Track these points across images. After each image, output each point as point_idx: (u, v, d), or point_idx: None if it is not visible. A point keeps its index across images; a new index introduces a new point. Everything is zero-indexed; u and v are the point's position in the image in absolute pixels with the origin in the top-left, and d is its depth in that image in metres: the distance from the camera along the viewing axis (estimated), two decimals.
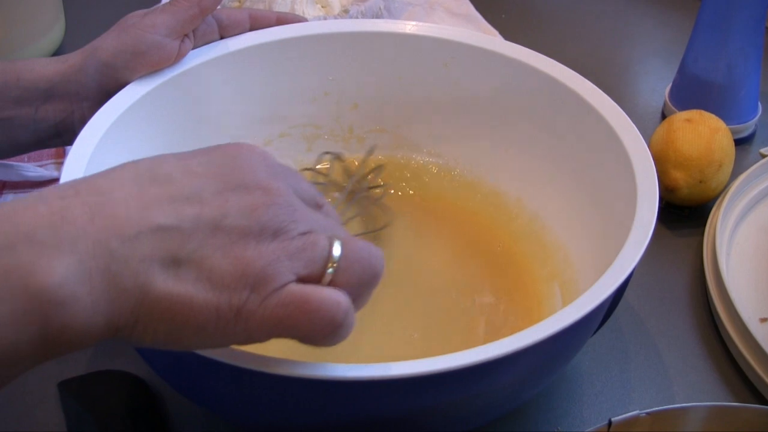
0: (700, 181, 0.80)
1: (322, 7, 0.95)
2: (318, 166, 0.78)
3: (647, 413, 0.49)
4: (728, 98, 0.90)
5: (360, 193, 0.75)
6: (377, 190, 0.76)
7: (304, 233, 0.43)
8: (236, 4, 0.99)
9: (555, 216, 0.72)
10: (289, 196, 0.44)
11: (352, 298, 0.43)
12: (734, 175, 0.82)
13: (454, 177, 0.78)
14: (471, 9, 1.03)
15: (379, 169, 0.77)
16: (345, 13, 0.93)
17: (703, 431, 0.51)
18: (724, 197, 0.80)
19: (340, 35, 0.75)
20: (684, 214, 0.82)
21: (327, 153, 0.78)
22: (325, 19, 0.92)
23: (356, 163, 0.78)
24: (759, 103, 0.93)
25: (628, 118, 0.66)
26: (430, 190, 0.78)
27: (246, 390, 0.51)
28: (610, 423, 0.48)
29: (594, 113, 0.67)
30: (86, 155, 0.60)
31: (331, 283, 0.43)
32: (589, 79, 0.69)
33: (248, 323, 0.42)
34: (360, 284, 0.44)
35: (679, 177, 0.79)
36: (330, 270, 0.43)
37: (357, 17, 0.93)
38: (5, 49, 0.96)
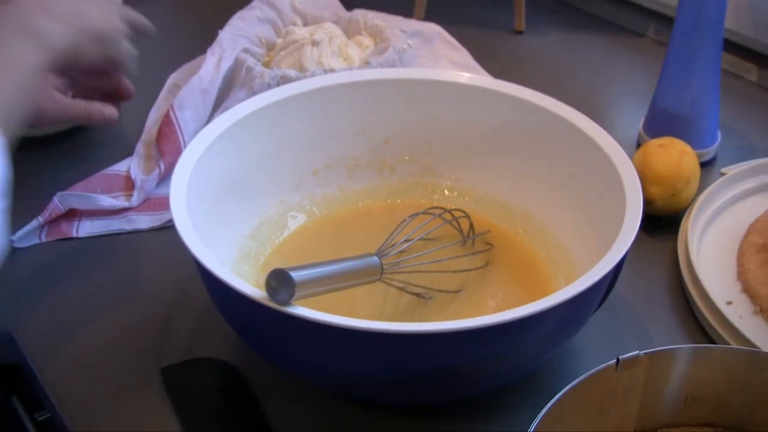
0: (673, 195, 0.96)
1: (344, 59, 1.11)
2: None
3: (645, 353, 0.65)
4: (693, 127, 1.06)
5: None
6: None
7: None
8: (266, 58, 1.15)
9: (558, 225, 0.88)
10: None
11: None
12: (700, 190, 0.99)
13: (471, 197, 0.94)
14: (470, 59, 1.19)
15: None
16: (366, 64, 1.10)
17: (686, 370, 0.66)
18: (692, 208, 0.96)
19: (375, 82, 0.92)
20: (660, 223, 0.98)
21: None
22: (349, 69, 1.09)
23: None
24: (718, 131, 1.09)
25: (618, 145, 0.82)
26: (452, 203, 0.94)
27: (334, 345, 0.66)
28: (617, 361, 0.64)
29: (589, 140, 0.84)
30: (187, 176, 0.78)
31: None
32: None
33: None
34: None
35: (655, 191, 0.95)
36: None
37: (376, 68, 1.09)
38: None
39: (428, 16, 1.36)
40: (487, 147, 0.93)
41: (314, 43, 1.11)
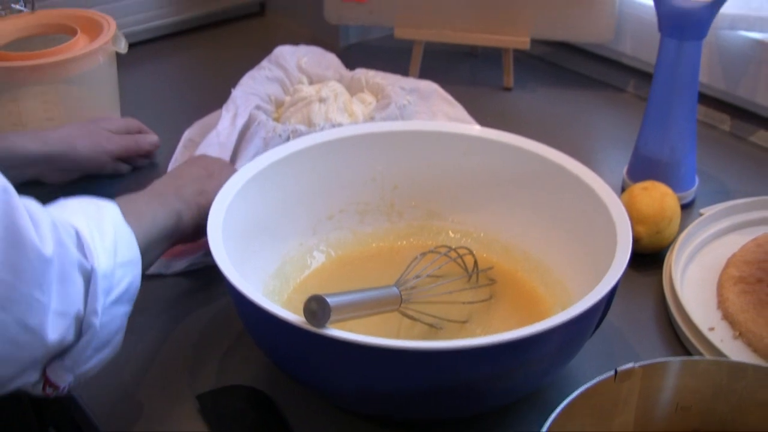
0: (657, 233, 1.05)
1: (350, 115, 1.20)
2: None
3: (639, 365, 0.73)
4: (673, 172, 1.15)
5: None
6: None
7: None
8: (276, 114, 1.24)
9: (554, 261, 0.97)
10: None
11: None
12: (681, 228, 1.08)
13: (473, 239, 1.03)
14: (465, 114, 1.28)
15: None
16: (370, 119, 1.18)
17: (676, 381, 0.75)
18: (675, 245, 1.05)
19: (385, 134, 1.01)
20: (646, 259, 1.06)
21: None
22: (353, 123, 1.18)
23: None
24: (696, 176, 1.18)
25: (609, 188, 0.91)
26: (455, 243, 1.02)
27: (366, 364, 0.75)
28: (616, 372, 0.72)
29: (582, 184, 0.93)
30: (220, 219, 0.87)
31: None
32: None
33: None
34: None
35: (640, 230, 1.04)
36: None
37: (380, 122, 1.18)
38: None
39: (423, 74, 1.46)
40: (488, 192, 1.02)
41: (321, 100, 1.20)
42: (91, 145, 1.15)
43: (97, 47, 1.19)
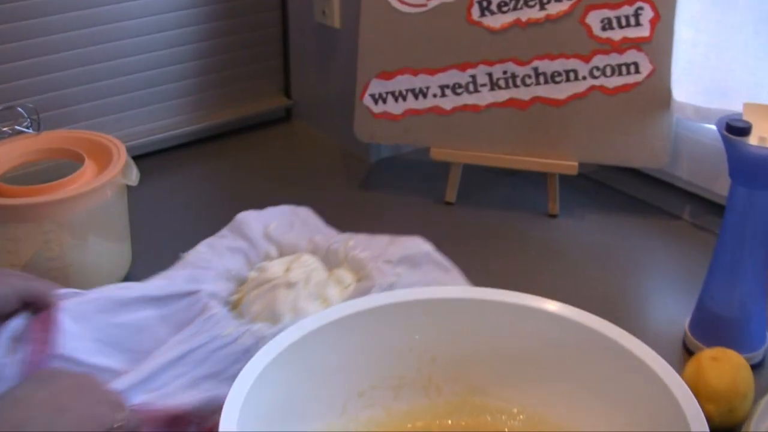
0: (729, 411, 0.93)
1: (323, 301, 1.02)
2: None
3: None
4: (741, 330, 1.04)
5: None
6: None
7: None
8: (237, 295, 1.05)
9: None
10: None
11: None
12: (756, 397, 0.95)
13: (520, 420, 0.91)
14: (462, 280, 1.07)
15: None
16: None
17: None
18: (750, 421, 0.93)
19: (423, 302, 0.90)
20: None
21: None
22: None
23: None
24: (767, 333, 1.07)
25: (671, 368, 0.80)
26: (498, 426, 0.91)
27: None
28: None
29: (638, 361, 0.82)
30: (238, 407, 0.76)
31: None
32: (610, 310, 0.85)
33: None
34: None
35: (711, 409, 0.92)
36: None
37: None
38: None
39: (459, 199, 1.35)
40: (534, 366, 0.91)
41: (289, 286, 1.01)
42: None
43: (105, 181, 1.08)
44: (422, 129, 1.35)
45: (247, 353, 0.88)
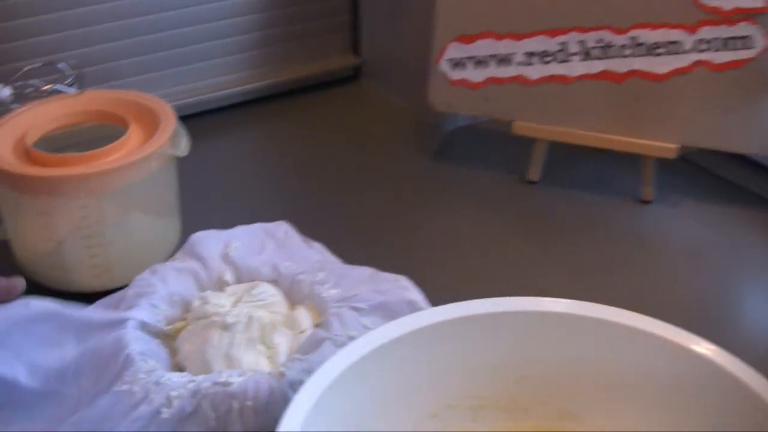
0: None
1: (267, 348, 0.86)
2: None
3: None
4: None
5: None
6: None
7: None
8: (176, 326, 0.90)
9: None
10: None
11: None
12: None
13: None
14: None
15: None
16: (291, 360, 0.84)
17: None
18: None
19: (515, 314, 0.78)
20: None
21: None
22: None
23: None
24: None
25: None
26: None
27: None
28: None
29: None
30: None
31: None
32: (705, 317, 0.75)
33: None
34: None
35: None
36: None
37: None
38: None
39: (543, 178, 1.22)
40: (637, 395, 0.78)
41: (225, 327, 0.85)
42: None
43: (150, 152, 0.96)
44: (504, 100, 1.21)
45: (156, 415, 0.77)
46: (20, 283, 0.90)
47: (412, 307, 0.88)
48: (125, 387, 0.79)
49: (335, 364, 0.71)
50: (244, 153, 1.36)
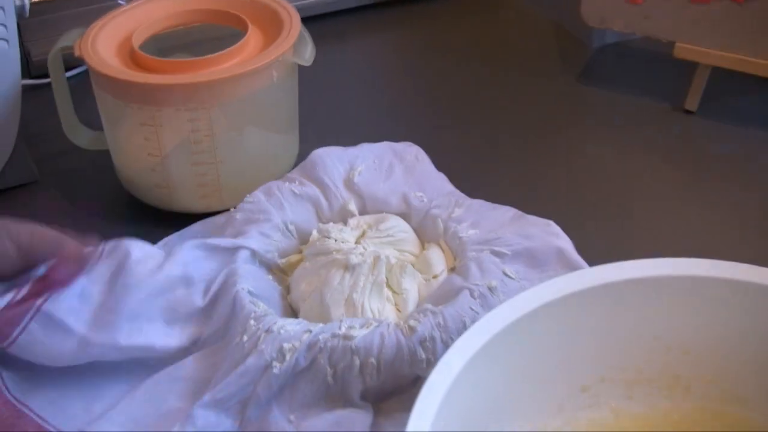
0: None
1: (394, 293, 0.76)
2: None
3: None
4: None
5: None
6: None
7: None
8: (289, 260, 0.81)
9: None
10: None
11: None
12: None
13: None
14: None
15: None
16: (423, 301, 0.76)
17: None
18: None
19: (683, 278, 0.66)
20: None
21: None
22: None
23: None
24: None
25: None
26: None
27: None
28: None
29: None
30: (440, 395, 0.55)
31: None
32: None
33: None
34: None
35: None
36: None
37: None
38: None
39: (702, 108, 1.08)
40: None
41: (348, 268, 0.75)
42: None
43: (272, 59, 0.86)
44: (667, 18, 1.07)
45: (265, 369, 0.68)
46: (91, 244, 0.75)
47: (560, 256, 0.77)
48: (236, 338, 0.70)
49: (490, 323, 0.60)
50: (365, 63, 1.25)
